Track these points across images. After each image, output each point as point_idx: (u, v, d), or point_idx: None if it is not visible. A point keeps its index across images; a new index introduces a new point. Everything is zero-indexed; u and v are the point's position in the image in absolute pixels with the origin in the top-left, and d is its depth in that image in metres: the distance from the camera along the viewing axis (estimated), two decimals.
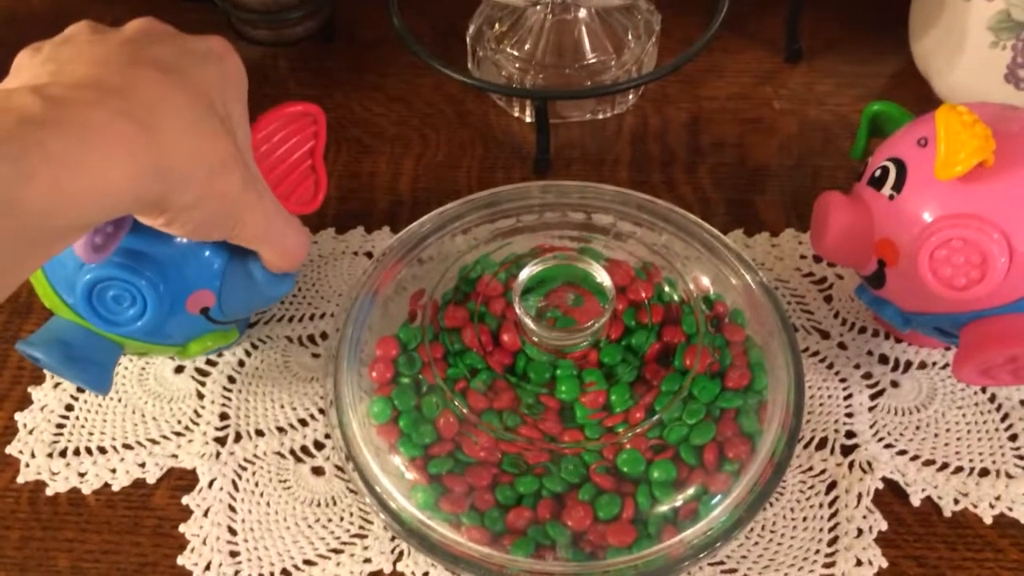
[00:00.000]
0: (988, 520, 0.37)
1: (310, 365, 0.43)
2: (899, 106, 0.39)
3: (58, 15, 0.60)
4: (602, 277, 0.35)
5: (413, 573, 0.37)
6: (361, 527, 0.38)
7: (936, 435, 0.40)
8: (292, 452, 0.40)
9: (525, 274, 0.35)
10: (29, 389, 0.42)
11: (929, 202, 0.34)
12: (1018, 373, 0.35)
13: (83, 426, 0.41)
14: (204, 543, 0.38)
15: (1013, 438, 0.39)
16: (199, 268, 0.36)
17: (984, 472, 0.39)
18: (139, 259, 0.34)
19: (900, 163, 0.36)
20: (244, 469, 0.39)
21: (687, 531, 0.32)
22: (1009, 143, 0.34)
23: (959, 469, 0.39)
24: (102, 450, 0.40)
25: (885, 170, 0.36)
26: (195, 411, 0.41)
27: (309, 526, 0.38)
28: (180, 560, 0.37)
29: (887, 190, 0.36)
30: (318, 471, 0.39)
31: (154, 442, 0.40)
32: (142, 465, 0.40)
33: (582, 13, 0.50)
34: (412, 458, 0.35)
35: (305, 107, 0.40)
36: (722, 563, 0.36)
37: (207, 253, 0.36)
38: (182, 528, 0.38)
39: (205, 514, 0.38)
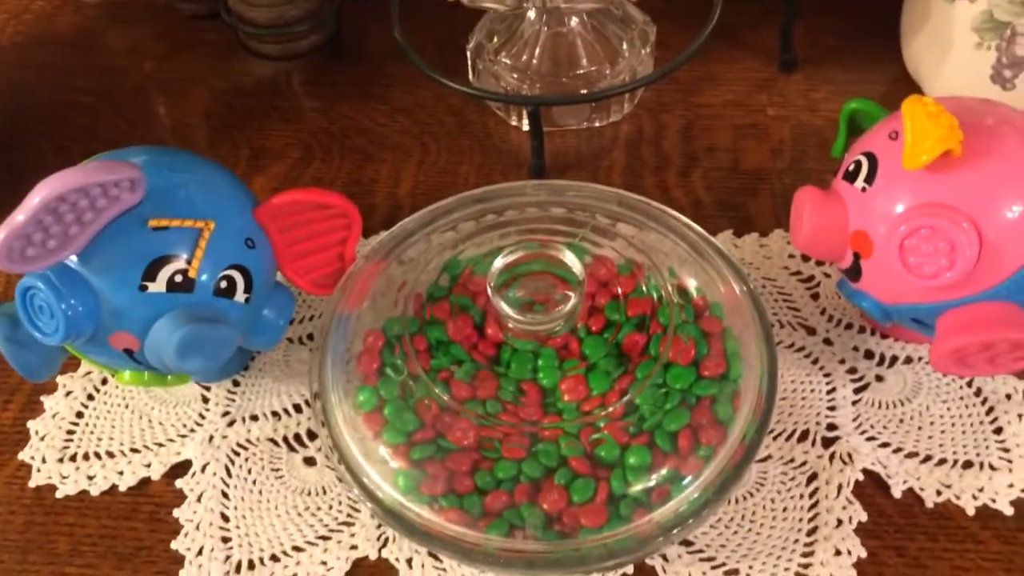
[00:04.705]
0: (970, 511, 0.37)
1: (308, 360, 0.44)
2: (876, 103, 0.39)
3: (84, 36, 0.63)
4: (571, 262, 0.36)
5: (397, 559, 0.37)
6: (349, 515, 0.39)
7: (920, 428, 0.40)
8: (285, 440, 0.41)
9: (499, 262, 0.36)
10: (41, 397, 0.43)
11: (899, 193, 0.35)
12: (995, 361, 0.35)
13: (92, 432, 0.42)
14: (197, 528, 0.39)
15: (998, 431, 0.39)
16: (129, 312, 0.35)
17: (968, 464, 0.39)
18: (72, 282, 0.34)
19: (872, 156, 0.36)
20: (237, 455, 0.41)
21: (657, 512, 0.33)
22: (979, 134, 0.34)
23: (942, 461, 0.39)
24: (110, 454, 0.42)
25: (858, 164, 0.37)
26: (199, 414, 0.42)
27: (299, 514, 0.39)
28: (174, 545, 0.38)
29: (860, 183, 0.36)
30: (310, 461, 0.41)
31: (160, 445, 0.42)
32: (148, 466, 0.41)
33: (574, 23, 0.52)
34: (395, 445, 0.36)
35: (342, 203, 0.40)
36: (701, 551, 0.37)
37: (142, 303, 0.35)
38: (176, 513, 0.39)
39: (199, 499, 0.39)
